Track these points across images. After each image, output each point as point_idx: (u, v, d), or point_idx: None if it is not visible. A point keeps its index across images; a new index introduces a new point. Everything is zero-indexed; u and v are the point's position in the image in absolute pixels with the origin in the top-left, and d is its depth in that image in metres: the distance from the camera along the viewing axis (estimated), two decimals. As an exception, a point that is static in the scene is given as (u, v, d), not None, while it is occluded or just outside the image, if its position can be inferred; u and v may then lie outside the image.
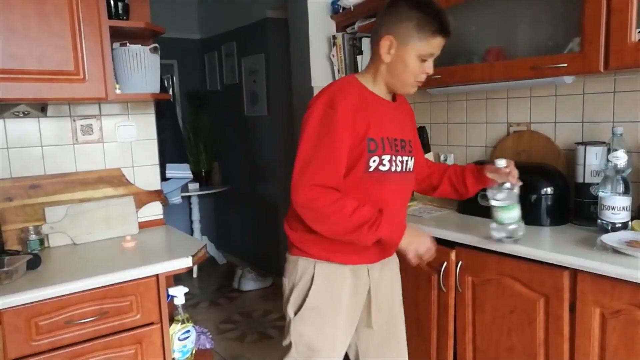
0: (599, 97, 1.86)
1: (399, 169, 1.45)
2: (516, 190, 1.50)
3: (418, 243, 1.39)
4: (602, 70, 1.56)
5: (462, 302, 1.78)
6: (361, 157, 1.37)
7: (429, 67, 1.41)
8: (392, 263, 1.61)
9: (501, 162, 1.48)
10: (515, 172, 1.47)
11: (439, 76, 2.08)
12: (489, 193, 1.51)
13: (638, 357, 1.35)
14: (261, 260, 4.23)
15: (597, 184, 1.66)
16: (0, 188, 1.76)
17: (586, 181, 1.76)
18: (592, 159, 1.74)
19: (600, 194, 1.63)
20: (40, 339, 1.39)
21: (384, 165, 1.40)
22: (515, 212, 1.52)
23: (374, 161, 1.38)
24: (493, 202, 1.51)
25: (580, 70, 1.64)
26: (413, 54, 1.37)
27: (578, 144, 1.81)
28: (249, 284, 3.94)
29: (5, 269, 1.41)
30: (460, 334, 1.81)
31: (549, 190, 1.77)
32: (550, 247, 1.56)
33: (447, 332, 1.84)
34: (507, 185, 1.48)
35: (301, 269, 1.47)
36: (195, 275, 4.33)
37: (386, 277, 1.57)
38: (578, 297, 1.45)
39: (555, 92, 1.99)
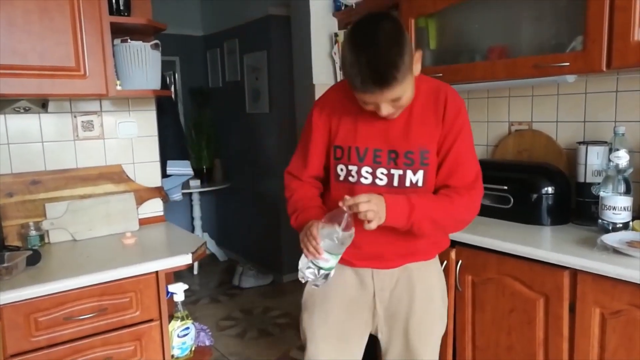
0: (601, 97, 1.85)
1: (382, 183, 1.34)
2: (347, 242, 1.25)
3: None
4: (604, 69, 1.55)
5: (462, 301, 1.78)
6: (331, 163, 1.40)
7: (380, 110, 1.24)
8: (420, 275, 1.43)
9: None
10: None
11: (441, 74, 2.07)
12: (324, 231, 1.23)
13: (638, 357, 1.34)
14: (262, 258, 4.23)
15: (599, 183, 1.66)
16: (0, 184, 1.76)
17: (587, 181, 1.76)
18: (594, 159, 1.74)
19: (602, 193, 1.62)
20: (40, 335, 1.39)
21: (352, 176, 1.36)
22: (335, 261, 1.29)
23: (342, 170, 1.37)
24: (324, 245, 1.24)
25: (583, 69, 1.63)
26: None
27: (580, 143, 1.81)
28: (250, 281, 3.94)
29: (5, 264, 1.41)
30: (460, 333, 1.80)
31: (550, 189, 1.77)
32: (551, 246, 1.56)
33: (447, 331, 1.83)
34: (339, 234, 1.21)
35: None
36: (195, 272, 4.33)
37: (405, 288, 1.42)
38: (578, 297, 1.45)
39: (558, 91, 1.99)
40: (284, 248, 3.92)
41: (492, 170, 2.01)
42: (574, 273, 1.45)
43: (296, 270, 1.32)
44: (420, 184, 1.33)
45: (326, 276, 1.30)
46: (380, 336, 1.48)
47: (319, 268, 1.27)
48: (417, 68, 1.26)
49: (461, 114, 1.33)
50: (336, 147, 1.38)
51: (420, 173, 1.32)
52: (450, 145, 1.32)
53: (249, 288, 3.91)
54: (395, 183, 1.33)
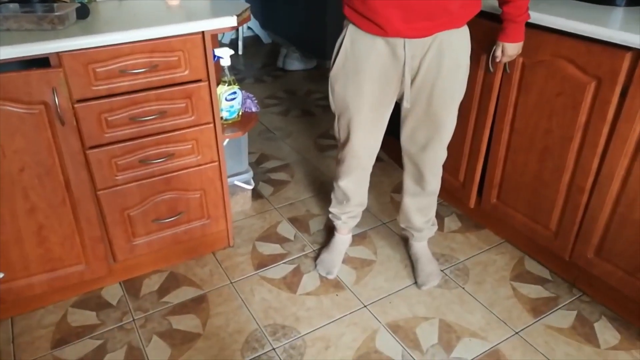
0: None
1: None
2: None
3: None
4: None
5: (507, 84, 1.75)
6: None
7: None
8: (450, 44, 1.41)
9: None
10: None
11: None
12: None
13: (678, 142, 1.35)
14: (306, 42, 4.15)
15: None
16: None
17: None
18: None
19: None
20: (99, 84, 1.48)
21: None
22: None
23: None
24: None
25: None
26: None
27: None
28: (294, 64, 3.95)
29: (56, 13, 1.43)
30: (500, 115, 1.82)
31: (635, -37, 1.55)
32: (619, 25, 1.44)
33: (487, 112, 1.85)
34: None
35: (343, 30, 1.48)
36: (240, 52, 4.35)
37: (434, 57, 1.42)
38: (634, 80, 1.39)
39: None
40: (328, 33, 3.80)
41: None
42: (636, 55, 1.37)
43: None
44: None
45: None
46: (404, 103, 1.52)
47: None
48: None
49: None
50: None
51: None
52: None
53: (293, 71, 3.95)
54: None
